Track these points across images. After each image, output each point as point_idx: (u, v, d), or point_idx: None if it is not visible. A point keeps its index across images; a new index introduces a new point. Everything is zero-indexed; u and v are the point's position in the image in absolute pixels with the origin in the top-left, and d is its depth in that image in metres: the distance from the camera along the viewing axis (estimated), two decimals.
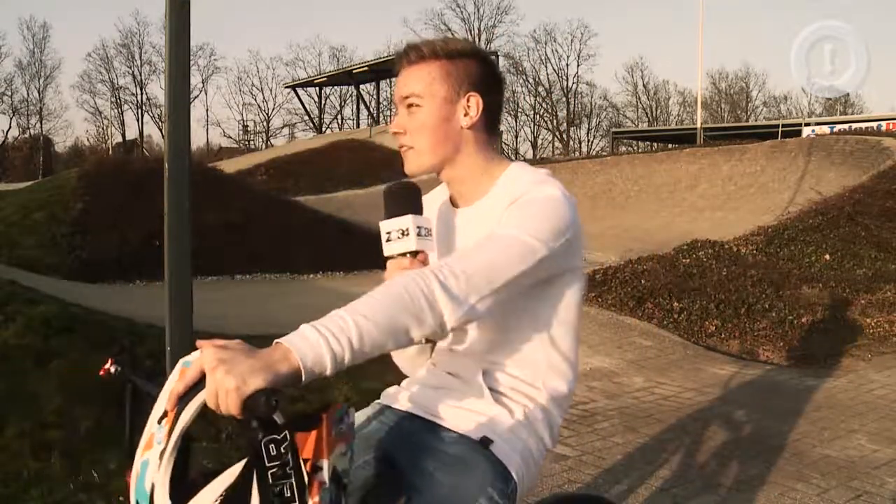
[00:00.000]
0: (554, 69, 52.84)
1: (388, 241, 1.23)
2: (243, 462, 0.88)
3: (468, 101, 1.30)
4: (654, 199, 18.52)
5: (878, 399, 4.58)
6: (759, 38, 78.47)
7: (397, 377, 1.46)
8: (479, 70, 1.31)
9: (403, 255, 1.23)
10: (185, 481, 0.92)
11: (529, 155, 49.64)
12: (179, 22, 3.60)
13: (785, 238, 9.05)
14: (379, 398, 1.42)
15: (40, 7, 72.88)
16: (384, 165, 21.97)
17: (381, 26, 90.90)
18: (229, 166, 23.41)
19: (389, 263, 1.25)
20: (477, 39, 49.88)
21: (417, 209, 1.25)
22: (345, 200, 17.62)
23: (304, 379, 0.93)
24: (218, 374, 0.88)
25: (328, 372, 0.95)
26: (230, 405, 0.87)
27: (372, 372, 3.41)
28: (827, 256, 8.51)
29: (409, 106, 1.30)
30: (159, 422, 0.92)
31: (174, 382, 0.93)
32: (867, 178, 11.97)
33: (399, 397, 1.38)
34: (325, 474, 0.89)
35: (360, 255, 11.00)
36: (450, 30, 50.55)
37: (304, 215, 12.68)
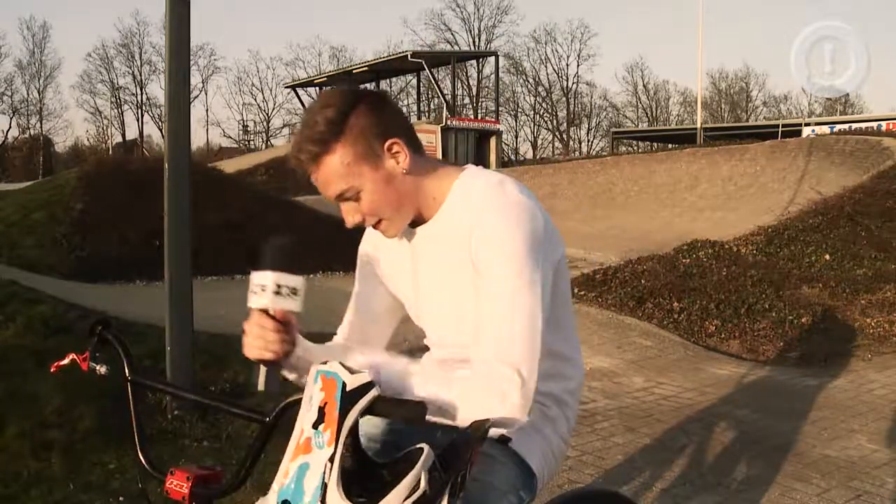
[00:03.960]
0: (554, 69, 52.90)
1: (252, 292, 1.17)
2: (423, 462, 0.95)
3: (391, 150, 1.21)
4: (654, 199, 18.51)
5: (878, 399, 4.58)
6: (759, 38, 78.56)
7: None
8: (368, 115, 1.19)
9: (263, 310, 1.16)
10: (353, 475, 0.98)
11: (529, 155, 49.68)
12: (179, 22, 3.61)
13: (785, 238, 9.05)
14: None
15: (40, 7, 72.89)
16: None
17: (381, 26, 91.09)
18: (229, 166, 23.41)
19: (252, 314, 1.18)
20: (477, 39, 49.99)
21: (284, 266, 1.15)
22: None
23: None
24: None
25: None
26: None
27: None
28: (827, 256, 8.51)
29: (346, 199, 1.23)
30: (315, 427, 0.96)
31: (318, 390, 0.97)
32: (867, 178, 11.96)
33: None
34: None
35: None
36: (450, 30, 50.66)
37: (304, 215, 12.67)
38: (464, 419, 1.01)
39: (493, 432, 1.25)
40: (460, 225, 1.20)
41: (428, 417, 0.97)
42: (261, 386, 1.15)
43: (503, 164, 32.14)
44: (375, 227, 1.26)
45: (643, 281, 7.26)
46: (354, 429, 0.97)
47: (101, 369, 1.09)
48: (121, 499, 2.82)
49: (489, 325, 1.14)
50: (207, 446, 3.33)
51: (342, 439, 0.95)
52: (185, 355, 3.64)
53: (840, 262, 8.40)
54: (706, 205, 16.91)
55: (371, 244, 1.41)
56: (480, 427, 0.96)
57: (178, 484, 1.04)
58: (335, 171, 1.19)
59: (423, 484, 0.95)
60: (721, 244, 8.80)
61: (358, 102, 1.19)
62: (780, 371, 5.42)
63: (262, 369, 1.16)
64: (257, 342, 1.15)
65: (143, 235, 8.83)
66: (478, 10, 52.95)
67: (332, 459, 0.94)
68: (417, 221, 1.29)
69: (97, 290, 7.34)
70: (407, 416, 0.97)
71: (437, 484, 0.96)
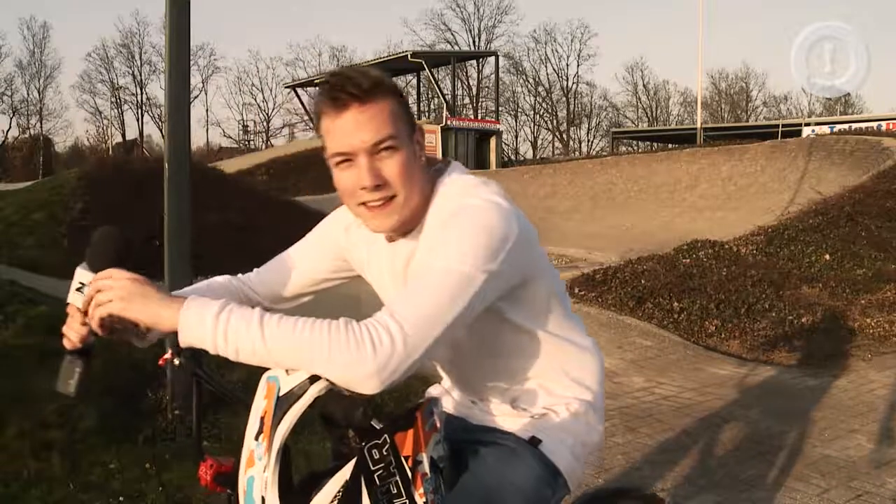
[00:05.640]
0: (554, 69, 52.91)
1: (78, 290, 1.09)
2: (349, 467, 0.93)
3: (418, 138, 1.19)
4: (654, 199, 18.52)
5: (878, 399, 4.58)
6: (759, 38, 78.58)
7: (432, 376, 1.48)
8: (403, 100, 1.18)
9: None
10: (290, 490, 0.97)
11: (529, 155, 49.68)
12: (179, 22, 3.61)
13: (785, 238, 9.05)
14: (411, 396, 1.43)
15: (40, 7, 72.91)
16: None
17: (381, 26, 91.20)
18: (229, 166, 23.44)
19: (69, 310, 1.11)
20: (477, 39, 49.97)
21: (97, 262, 1.07)
22: None
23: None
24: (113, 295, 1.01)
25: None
26: (99, 313, 1.02)
27: None
28: (827, 256, 8.51)
29: (380, 151, 1.12)
30: (256, 438, 0.95)
31: (262, 398, 0.96)
32: (867, 178, 11.96)
33: (450, 407, 1.41)
34: (426, 466, 0.96)
35: None
36: (450, 30, 50.61)
37: (304, 215, 12.68)
38: (318, 359, 0.94)
39: (524, 434, 1.27)
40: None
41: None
42: (59, 387, 1.11)
43: (503, 164, 32.14)
44: (380, 206, 1.14)
45: (643, 281, 7.26)
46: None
47: (177, 361, 1.13)
48: (121, 499, 2.83)
49: (405, 291, 1.06)
50: (207, 446, 3.33)
51: (275, 449, 0.93)
52: (186, 355, 3.63)
53: (840, 262, 8.40)
54: (706, 205, 16.92)
55: (344, 229, 1.36)
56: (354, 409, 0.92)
57: (204, 471, 1.10)
58: (382, 115, 1.11)
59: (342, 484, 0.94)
60: (721, 244, 8.80)
61: (399, 91, 1.19)
62: (780, 371, 5.42)
63: (64, 363, 1.11)
64: (66, 335, 1.11)
65: (143, 235, 8.84)
66: (478, 10, 53.02)
67: (265, 471, 0.93)
68: (399, 228, 1.21)
69: None
70: (346, 416, 0.94)
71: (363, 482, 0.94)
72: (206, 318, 0.98)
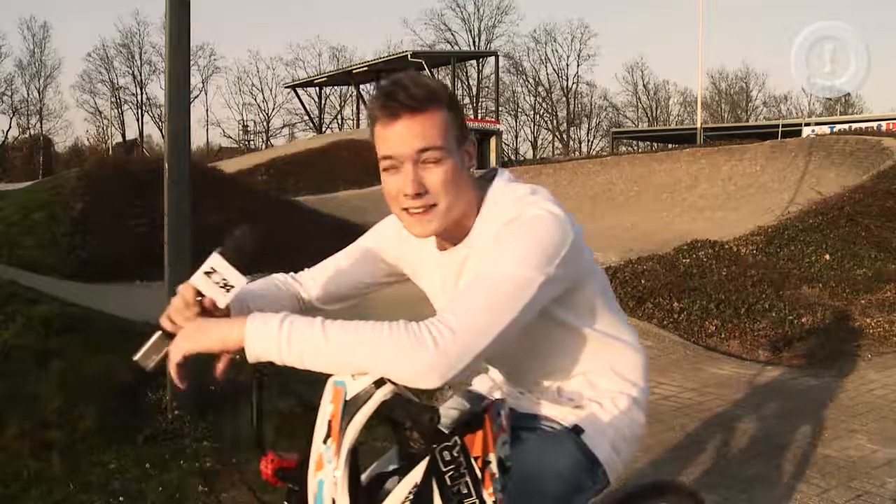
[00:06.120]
0: (554, 69, 52.97)
1: (207, 273, 1.13)
2: (420, 468, 0.96)
3: (468, 148, 1.23)
4: (654, 199, 18.52)
5: (878, 399, 4.58)
6: (759, 38, 78.62)
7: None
8: (457, 111, 1.21)
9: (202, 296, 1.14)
10: (358, 490, 1.00)
11: (529, 155, 49.67)
12: (179, 22, 3.62)
13: (785, 238, 9.05)
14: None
15: (40, 7, 73.04)
16: None
17: (381, 26, 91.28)
18: (229, 166, 23.41)
19: (185, 290, 1.15)
20: (477, 39, 49.99)
21: (233, 256, 1.13)
22: (345, 200, 17.63)
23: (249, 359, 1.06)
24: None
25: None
26: (175, 360, 1.10)
27: None
28: (827, 256, 8.51)
29: (424, 161, 1.16)
30: (324, 441, 0.97)
31: (328, 403, 0.98)
32: (867, 178, 11.96)
33: (494, 394, 1.45)
34: (494, 466, 0.99)
35: None
36: (450, 30, 50.63)
37: (304, 215, 12.70)
38: (379, 355, 0.98)
39: (567, 422, 1.32)
40: (487, 243, 1.19)
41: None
42: (140, 358, 1.16)
43: (503, 164, 32.15)
44: (420, 213, 1.18)
45: (643, 281, 7.26)
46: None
47: (238, 356, 1.14)
48: (121, 499, 2.83)
49: (464, 294, 1.09)
50: (208, 446, 3.33)
51: (344, 452, 0.95)
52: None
53: (840, 262, 8.40)
54: (706, 205, 16.92)
55: (398, 234, 1.37)
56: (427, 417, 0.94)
57: (265, 465, 1.12)
58: (432, 126, 1.15)
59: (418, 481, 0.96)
60: (721, 244, 8.80)
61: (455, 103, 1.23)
62: (780, 371, 5.42)
63: (154, 338, 1.16)
64: (171, 316, 1.16)
65: (143, 235, 8.84)
66: (478, 10, 52.97)
67: (336, 474, 0.95)
68: (447, 235, 1.26)
69: (97, 290, 7.34)
70: (412, 419, 0.96)
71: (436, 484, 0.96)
72: (271, 327, 1.02)
